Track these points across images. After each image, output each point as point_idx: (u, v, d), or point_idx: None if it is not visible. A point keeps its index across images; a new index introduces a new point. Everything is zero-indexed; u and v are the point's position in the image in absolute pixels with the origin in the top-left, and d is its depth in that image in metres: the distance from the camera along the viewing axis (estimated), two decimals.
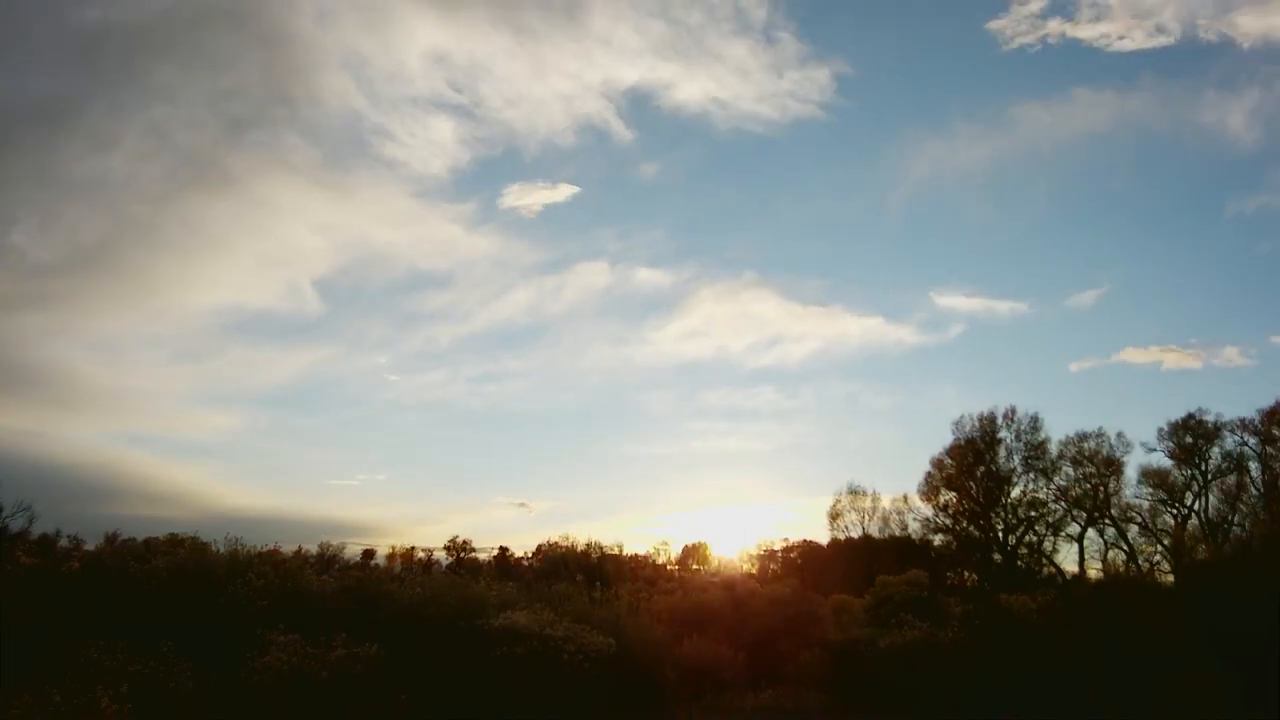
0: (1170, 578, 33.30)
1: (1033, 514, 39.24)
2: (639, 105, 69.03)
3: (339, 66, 65.84)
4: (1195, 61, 62.14)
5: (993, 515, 39.18)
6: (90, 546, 24.36)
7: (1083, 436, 39.23)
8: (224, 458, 68.21)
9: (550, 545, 40.49)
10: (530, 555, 46.97)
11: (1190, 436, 38.12)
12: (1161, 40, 57.29)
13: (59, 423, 63.98)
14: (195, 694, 12.05)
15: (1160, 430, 38.94)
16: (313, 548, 37.25)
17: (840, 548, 44.22)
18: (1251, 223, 64.74)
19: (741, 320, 71.82)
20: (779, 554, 55.06)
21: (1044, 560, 39.24)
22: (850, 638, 19.52)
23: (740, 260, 78.35)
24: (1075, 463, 39.09)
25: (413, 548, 49.82)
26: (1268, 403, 37.41)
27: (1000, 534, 39.29)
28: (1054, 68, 63.93)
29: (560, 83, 68.37)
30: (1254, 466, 37.14)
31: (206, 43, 63.37)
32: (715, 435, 68.44)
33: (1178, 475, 38.26)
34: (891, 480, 64.43)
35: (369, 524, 73.65)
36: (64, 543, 26.16)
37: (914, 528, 41.90)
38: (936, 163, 69.49)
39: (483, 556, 49.73)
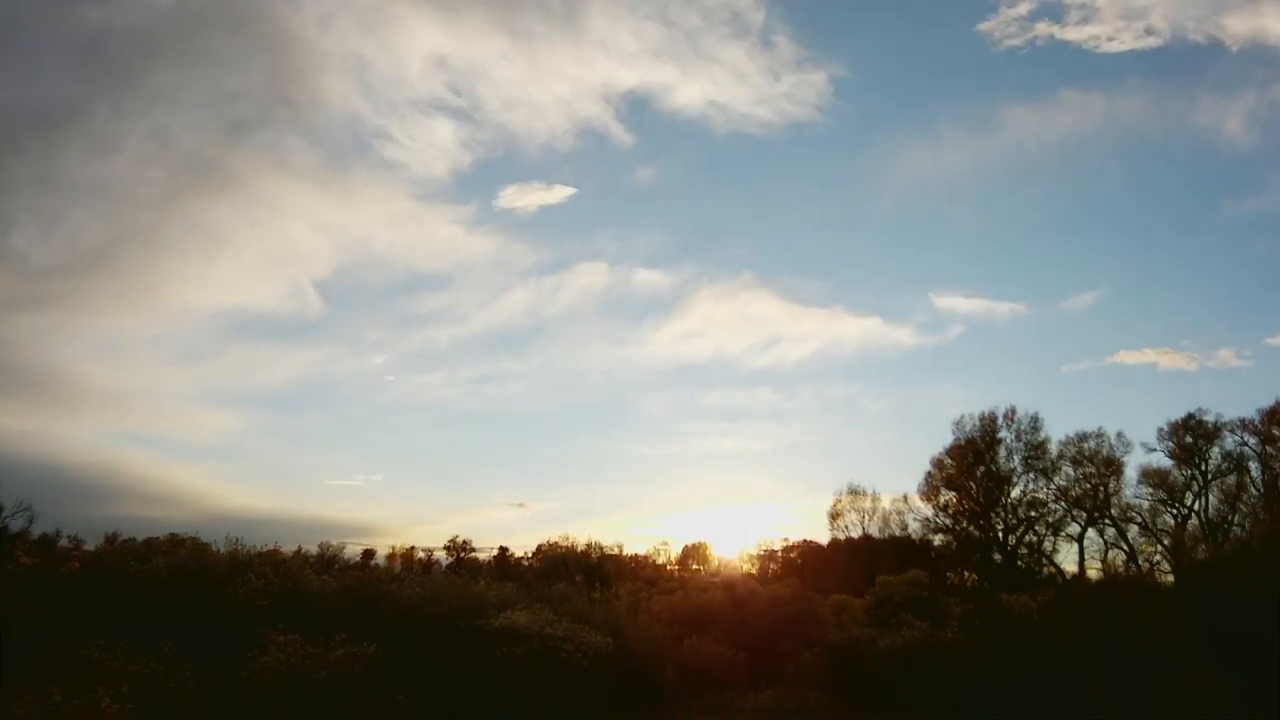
0: (1170, 578, 33.30)
1: (1033, 514, 39.22)
2: (637, 108, 69.41)
3: (340, 70, 65.99)
4: (1187, 63, 62.23)
5: (993, 515, 39.16)
6: (90, 546, 24.35)
7: (1083, 436, 39.23)
8: (224, 458, 68.32)
9: (550, 545, 40.54)
10: (530, 555, 47.03)
11: (1190, 436, 38.10)
12: (1150, 41, 57.44)
13: (60, 423, 64.04)
14: (196, 694, 12.06)
15: (1160, 430, 38.93)
16: (312, 548, 37.30)
17: (840, 548, 44.20)
18: (1246, 225, 65.11)
19: (740, 321, 71.94)
20: (779, 554, 55.09)
21: (1044, 560, 39.23)
22: (850, 638, 19.52)
23: (739, 261, 78.42)
24: (1075, 463, 39.07)
25: (412, 548, 49.90)
26: (1263, 404, 37.50)
27: (1000, 534, 39.28)
28: (1042, 69, 64.35)
29: (559, 86, 68.59)
30: (1254, 466, 37.12)
31: (208, 46, 63.45)
32: (714, 435, 68.54)
33: (1178, 475, 38.24)
34: (891, 480, 64.44)
35: (368, 524, 73.85)
36: (64, 543, 26.13)
37: (914, 528, 41.89)
38: (934, 164, 69.67)
39: (482, 556, 49.80)
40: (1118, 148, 66.92)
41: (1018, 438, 39.58)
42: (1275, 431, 36.63)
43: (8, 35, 57.39)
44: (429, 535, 73.35)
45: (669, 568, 52.51)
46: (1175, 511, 38.25)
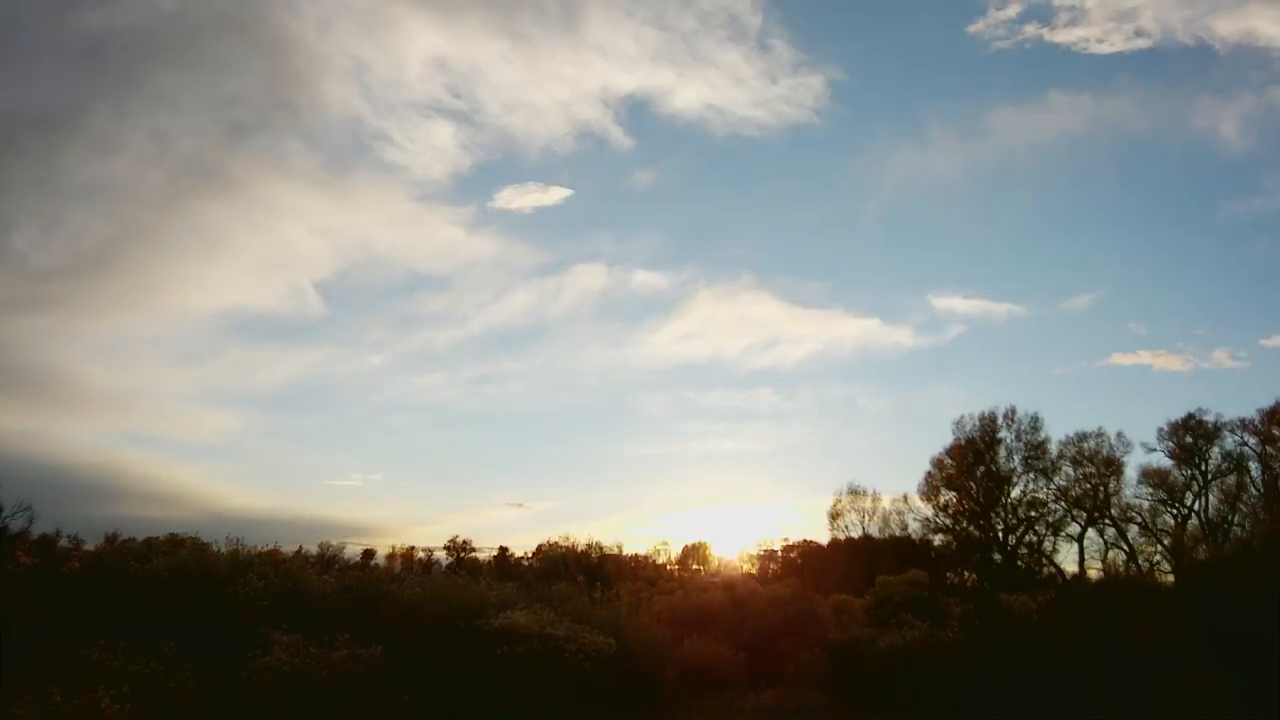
0: (1170, 578, 33.30)
1: (1033, 514, 39.22)
2: (636, 112, 69.53)
3: (340, 73, 66.17)
4: (1183, 64, 62.41)
5: (993, 515, 39.16)
6: (90, 546, 24.35)
7: (1083, 436, 39.24)
8: (224, 458, 68.42)
9: (550, 545, 40.52)
10: (530, 555, 47.01)
11: (1190, 436, 38.09)
12: (1140, 43, 57.59)
13: (60, 423, 64.17)
14: (196, 694, 12.06)
15: (1160, 430, 38.93)
16: (313, 548, 37.36)
17: (840, 548, 44.19)
18: (1241, 227, 65.39)
19: (739, 322, 72.15)
20: (779, 554, 55.11)
21: (1044, 560, 39.24)
22: (850, 638, 19.53)
23: (738, 263, 78.65)
24: (1075, 463, 39.08)
25: (413, 548, 49.91)
26: (1259, 406, 37.51)
27: (1000, 534, 39.28)
28: (1031, 70, 64.65)
29: (558, 89, 68.94)
30: (1254, 466, 37.13)
31: (209, 49, 63.54)
32: (713, 436, 68.70)
33: (1178, 475, 38.24)
34: (891, 480, 64.56)
35: (368, 524, 73.98)
36: (64, 543, 26.14)
37: (914, 528, 41.91)
38: (932, 166, 70.00)
39: (483, 556, 49.79)
40: (1113, 148, 67.35)
41: (1018, 438, 39.62)
42: (1275, 431, 36.64)
43: (8, 37, 57.52)
44: (429, 535, 73.50)
45: (669, 568, 52.51)
46: (1175, 511, 38.27)
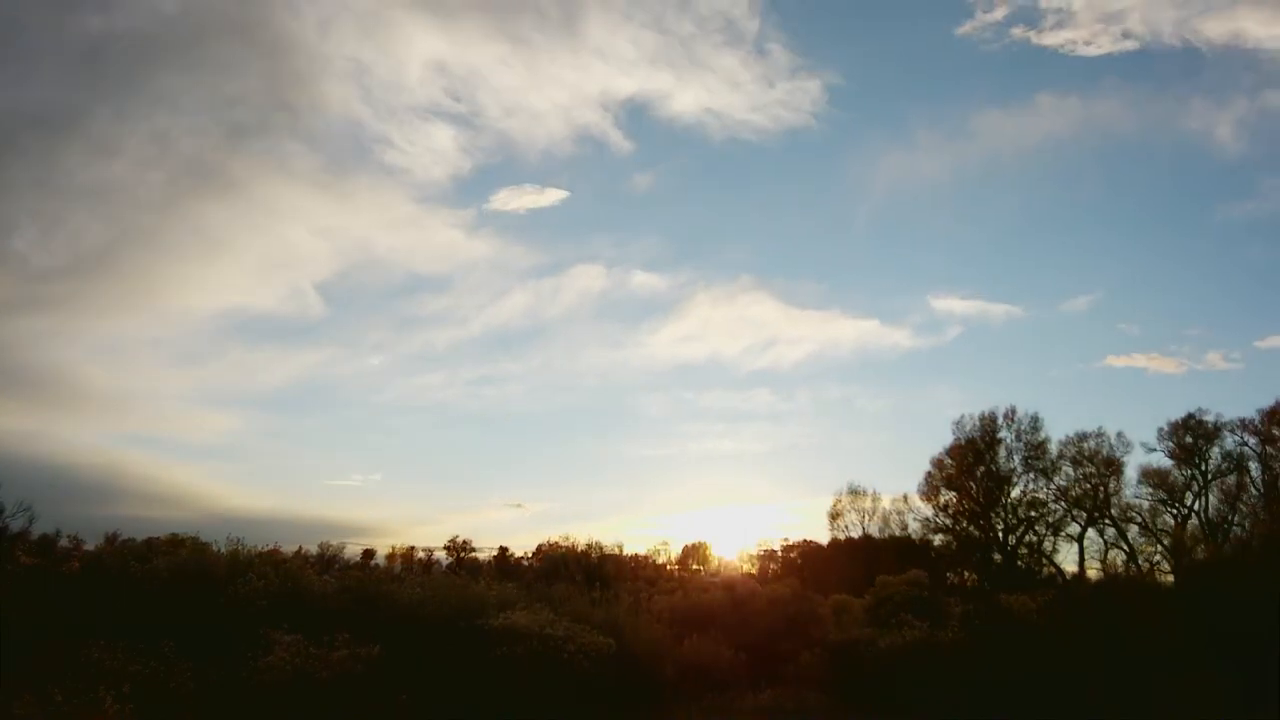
0: (1170, 578, 33.30)
1: (1033, 514, 39.23)
2: (635, 115, 69.73)
3: (340, 75, 66.25)
4: (1171, 66, 62.64)
5: (993, 515, 39.17)
6: (90, 547, 24.31)
7: (1082, 436, 39.26)
8: (224, 458, 68.46)
9: (550, 545, 40.50)
10: (530, 555, 47.00)
11: (1190, 436, 38.11)
12: (1128, 45, 57.79)
13: (60, 424, 64.20)
14: (196, 694, 12.07)
15: (1160, 430, 38.97)
16: (313, 548, 37.25)
17: (840, 548, 44.20)
18: (1235, 229, 65.62)
19: (738, 324, 72.33)
20: (779, 554, 55.10)
21: (1044, 560, 39.25)
22: (850, 638, 19.53)
23: (736, 265, 78.86)
24: (1075, 463, 39.09)
25: (413, 548, 49.87)
26: (1254, 408, 37.53)
27: (1000, 534, 39.28)
28: (1018, 72, 65.03)
29: (558, 93, 69.41)
30: (1254, 466, 37.17)
31: (209, 51, 63.69)
32: (712, 437, 68.82)
33: (1178, 475, 38.26)
34: (889, 480, 64.71)
35: (368, 524, 74.00)
36: (64, 543, 26.07)
37: (914, 528, 41.93)
38: (930, 168, 70.20)
39: (483, 556, 49.77)
40: (1111, 150, 67.46)
41: (1018, 438, 39.64)
42: (1275, 431, 36.66)
43: (9, 39, 57.57)
44: (429, 535, 73.48)
45: (669, 568, 52.50)
46: (1175, 511, 38.28)
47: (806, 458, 68.34)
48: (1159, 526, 38.33)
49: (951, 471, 40.21)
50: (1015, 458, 39.47)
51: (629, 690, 15.65)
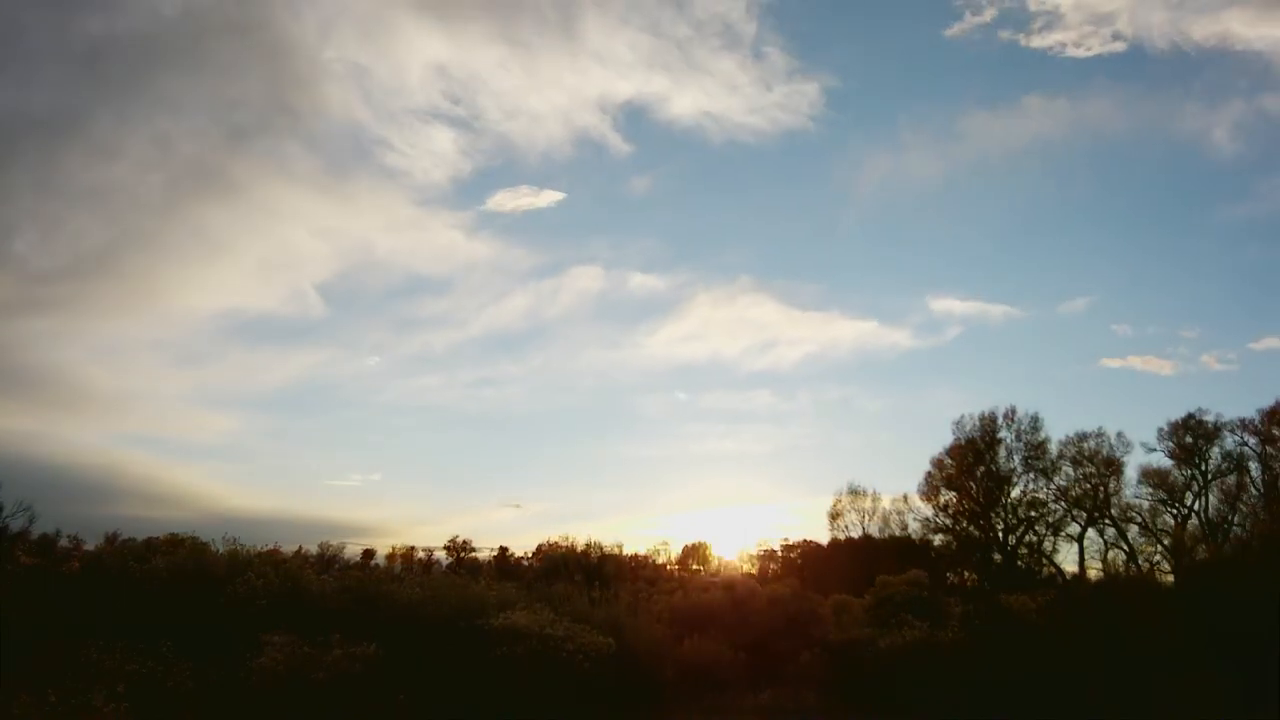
0: (1170, 578, 33.26)
1: (1033, 514, 39.15)
2: (634, 118, 69.65)
3: (340, 78, 66.18)
4: (1161, 67, 62.61)
5: (993, 515, 39.10)
6: (90, 546, 24.36)
7: (1082, 436, 39.14)
8: (225, 459, 68.33)
9: (550, 545, 40.43)
10: (530, 555, 46.96)
11: (1190, 436, 38.03)
12: (1117, 46, 57.83)
13: (61, 424, 64.11)
14: (195, 693, 12.06)
15: (1160, 430, 38.83)
16: (312, 548, 37.19)
17: (840, 548, 44.15)
18: (1231, 230, 65.50)
19: (737, 325, 72.27)
20: (779, 554, 55.08)
21: (1044, 560, 39.17)
22: (850, 638, 19.52)
23: (736, 266, 78.48)
24: (1075, 463, 38.99)
25: (412, 548, 49.83)
26: (1249, 408, 37.46)
27: (1000, 534, 39.23)
28: (1006, 73, 65.06)
29: (557, 96, 69.18)
30: (1254, 466, 37.03)
31: (210, 53, 63.43)
32: (712, 437, 68.79)
33: (1178, 475, 38.16)
34: (889, 481, 64.60)
35: (367, 525, 73.93)
36: (64, 543, 26.15)
37: (914, 528, 41.83)
38: (927, 169, 70.09)
39: (483, 556, 49.73)
40: (1103, 151, 67.56)
41: (1018, 438, 39.53)
42: (1275, 431, 36.60)
43: (10, 41, 57.52)
44: (429, 535, 73.37)
45: (669, 568, 52.47)
46: (1175, 511, 38.21)
47: (806, 458, 68.34)
48: (1159, 526, 38.29)
49: (951, 471, 40.15)
50: (1015, 458, 39.40)
51: (629, 690, 15.65)
